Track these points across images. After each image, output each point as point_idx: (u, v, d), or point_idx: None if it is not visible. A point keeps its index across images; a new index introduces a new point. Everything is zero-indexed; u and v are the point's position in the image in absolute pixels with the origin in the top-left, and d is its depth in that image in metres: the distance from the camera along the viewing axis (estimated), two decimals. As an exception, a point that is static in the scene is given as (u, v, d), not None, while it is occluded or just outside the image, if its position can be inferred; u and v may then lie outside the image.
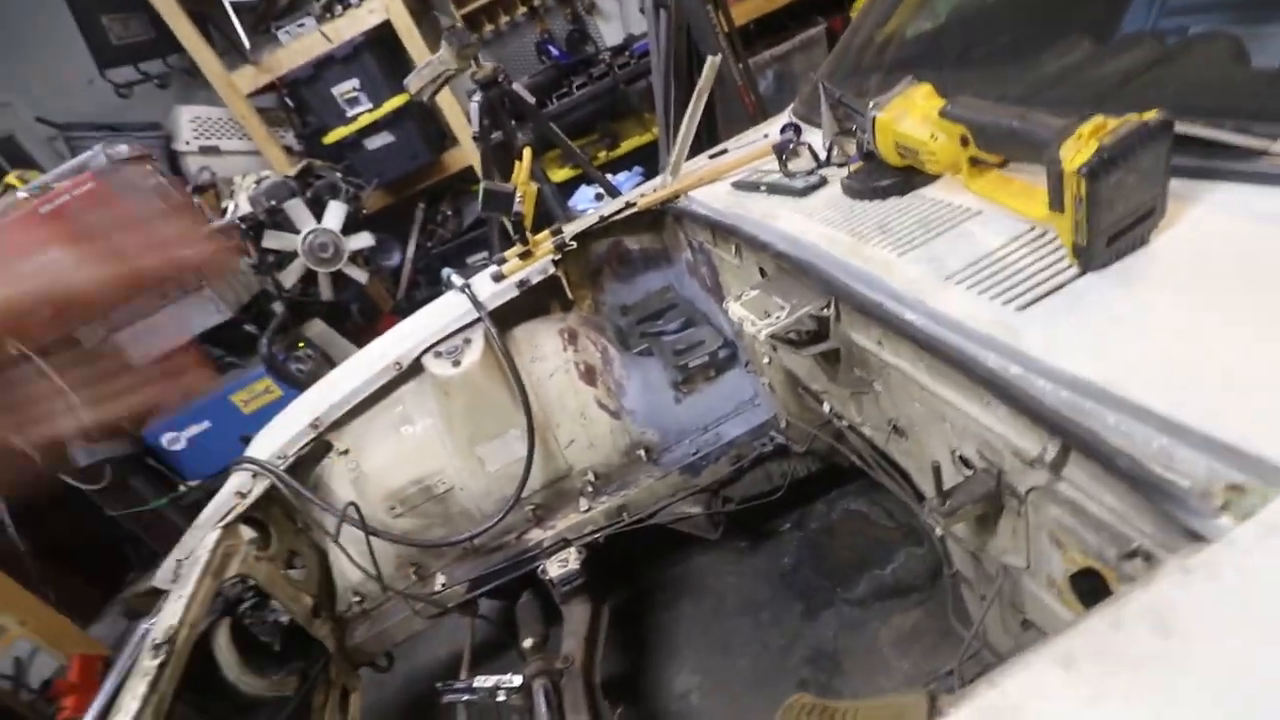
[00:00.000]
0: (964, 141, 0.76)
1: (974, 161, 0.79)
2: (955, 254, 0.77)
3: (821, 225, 0.96)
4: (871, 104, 0.89)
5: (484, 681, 1.34)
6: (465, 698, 1.34)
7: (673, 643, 1.73)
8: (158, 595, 1.68)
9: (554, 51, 3.72)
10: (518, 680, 1.33)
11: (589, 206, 3.29)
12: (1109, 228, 0.62)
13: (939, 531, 0.95)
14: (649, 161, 3.58)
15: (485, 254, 3.86)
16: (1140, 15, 1.27)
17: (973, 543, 0.86)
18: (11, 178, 2.37)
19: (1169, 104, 0.60)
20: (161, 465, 2.40)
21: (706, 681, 1.61)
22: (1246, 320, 0.55)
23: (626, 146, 3.64)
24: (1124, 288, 0.63)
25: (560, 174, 3.52)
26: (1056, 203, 0.64)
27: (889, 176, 0.92)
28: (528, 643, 1.41)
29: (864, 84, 1.35)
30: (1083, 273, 0.66)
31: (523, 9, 3.62)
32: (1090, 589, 0.72)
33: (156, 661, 1.03)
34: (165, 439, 2.35)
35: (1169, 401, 0.52)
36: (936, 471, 0.74)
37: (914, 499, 0.98)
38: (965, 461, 0.80)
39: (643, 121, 3.68)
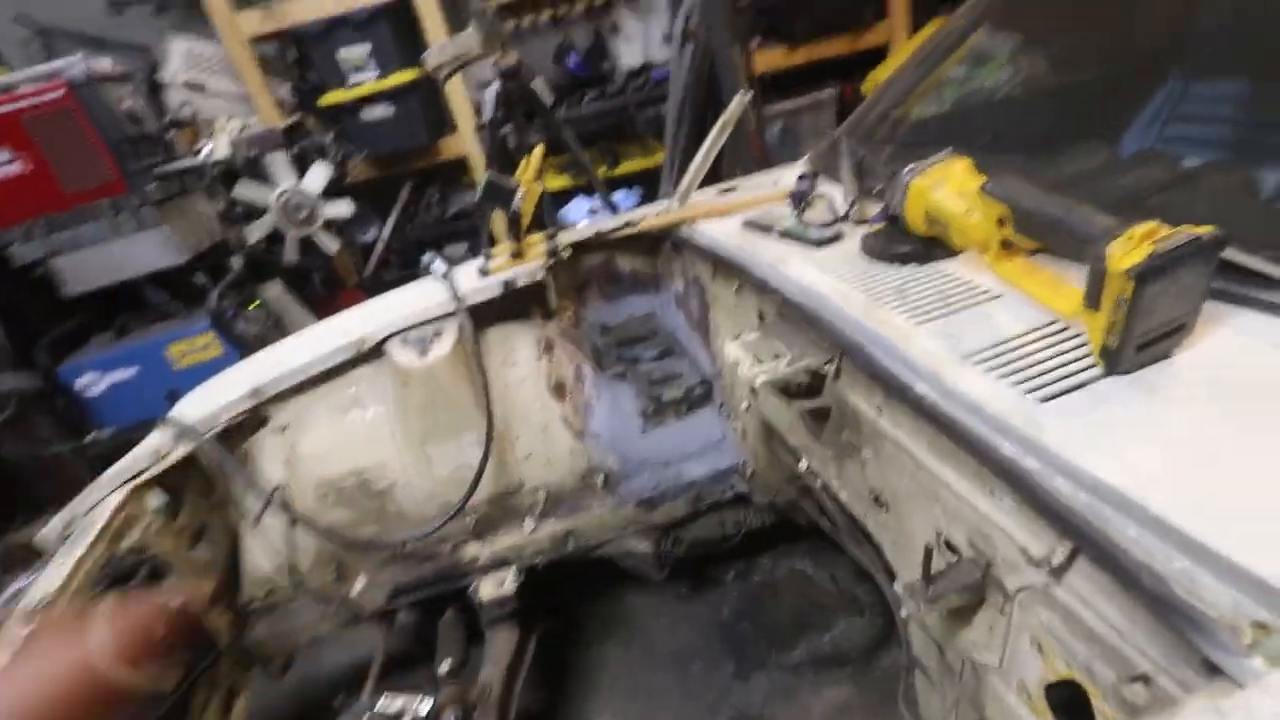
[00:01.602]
0: (1001, 222, 0.75)
1: (1004, 244, 0.77)
2: (974, 334, 0.74)
3: (836, 280, 0.93)
4: (907, 169, 0.87)
5: (389, 703, 1.22)
6: (365, 718, 1.22)
7: (595, 683, 1.64)
8: (36, 553, 1.50)
9: (571, 61, 3.70)
10: (426, 707, 1.22)
11: (581, 219, 3.25)
12: (1143, 334, 0.61)
13: (904, 613, 0.92)
14: (647, 186, 3.58)
15: (465, 245, 3.76)
16: (1142, 136, 1.32)
17: (940, 632, 0.83)
18: (-31, 71, 2.18)
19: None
20: (72, 408, 2.19)
21: (625, 729, 1.53)
22: (1274, 449, 0.54)
23: (626, 168, 3.62)
24: (1149, 396, 0.61)
25: (556, 182, 3.48)
26: (1093, 300, 0.63)
27: (911, 243, 0.90)
28: (444, 666, 1.30)
29: (878, 153, 1.36)
30: (1106, 374, 0.65)
31: (548, 13, 3.60)
32: (1064, 700, 0.69)
33: (26, 630, 0.90)
34: (82, 380, 2.14)
35: (1194, 522, 0.50)
36: (928, 554, 0.70)
37: (882, 574, 0.94)
38: (951, 547, 0.77)
39: (646, 147, 3.68)
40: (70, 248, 2.07)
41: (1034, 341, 0.71)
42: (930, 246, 0.89)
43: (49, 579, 1.03)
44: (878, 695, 1.46)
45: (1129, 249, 0.58)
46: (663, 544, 1.56)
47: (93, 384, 2.15)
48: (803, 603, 1.73)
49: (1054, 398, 0.64)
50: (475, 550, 1.47)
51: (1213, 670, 0.46)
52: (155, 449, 1.30)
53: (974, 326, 0.75)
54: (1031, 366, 0.68)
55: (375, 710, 1.16)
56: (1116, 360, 0.63)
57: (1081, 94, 1.45)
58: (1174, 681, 0.51)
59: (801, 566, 1.83)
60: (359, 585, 1.42)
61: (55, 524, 1.26)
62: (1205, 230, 0.58)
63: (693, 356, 1.64)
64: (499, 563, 1.44)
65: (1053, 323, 0.73)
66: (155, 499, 1.29)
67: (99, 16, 3.30)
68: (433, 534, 1.39)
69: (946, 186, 0.83)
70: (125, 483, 1.24)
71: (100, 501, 1.22)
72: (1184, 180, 0.96)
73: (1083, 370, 0.66)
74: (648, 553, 1.54)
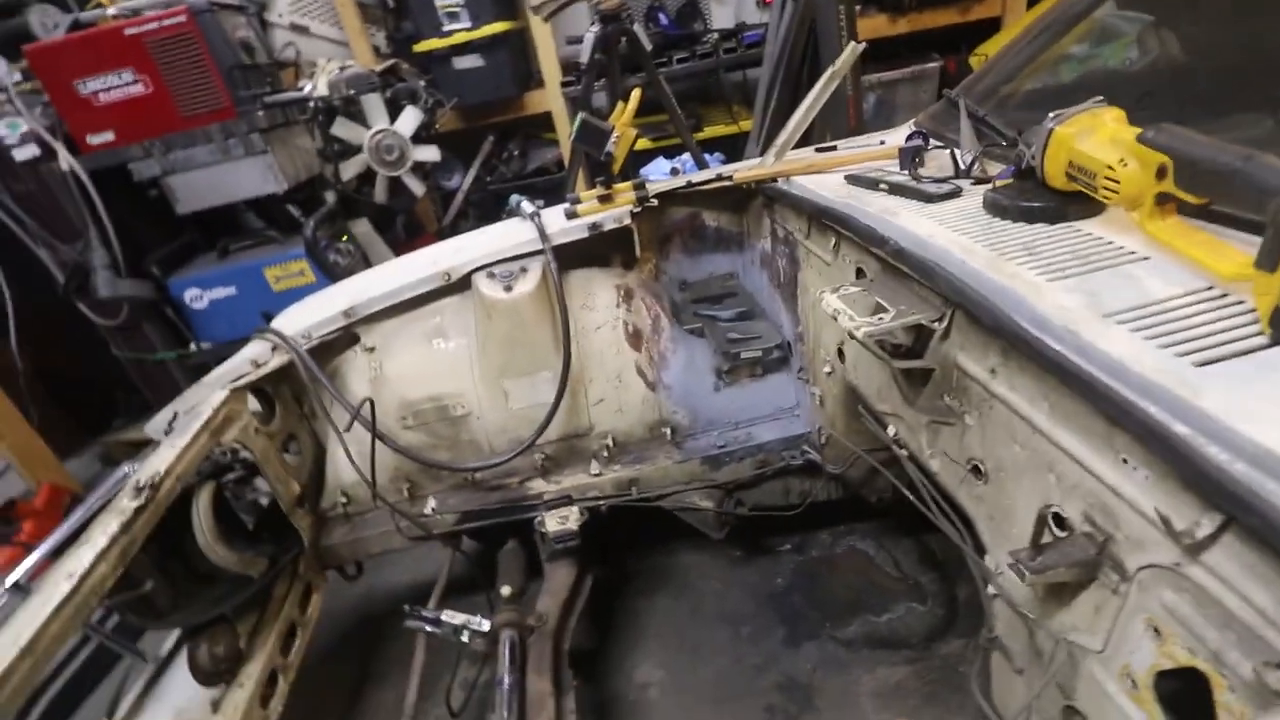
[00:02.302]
0: (1160, 174, 0.68)
1: (1159, 200, 0.70)
2: (1116, 294, 0.68)
3: (954, 233, 0.88)
4: (1052, 115, 0.81)
5: (452, 617, 1.27)
6: (429, 628, 1.27)
7: (643, 632, 1.66)
8: (139, 447, 1.61)
9: (663, 20, 3.62)
10: (486, 625, 1.27)
11: (661, 179, 3.21)
12: (1332, 298, 0.54)
13: (991, 590, 0.88)
14: (729, 151, 3.49)
15: (541, 200, 3.78)
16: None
17: (1035, 611, 0.79)
18: (103, -5, 2.31)
19: None
20: (178, 319, 2.34)
21: (669, 679, 1.54)
22: None
23: (709, 132, 3.54)
24: (1329, 369, 0.55)
25: (638, 144, 3.43)
26: (1270, 260, 0.56)
27: (1045, 199, 0.84)
28: (505, 590, 1.34)
29: (1002, 109, 1.27)
30: (1276, 343, 0.58)
31: (643, -31, 3.52)
32: (1171, 691, 0.65)
33: (135, 504, 0.97)
34: (188, 294, 2.28)
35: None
36: (1041, 521, 0.66)
37: (972, 549, 0.90)
38: (1060, 521, 0.72)
39: (730, 113, 3.58)
40: (183, 168, 2.19)
41: (1189, 305, 0.65)
42: (1066, 203, 0.83)
43: (157, 461, 1.11)
44: (935, 681, 1.42)
45: (1328, 200, 0.52)
46: (725, 504, 1.55)
47: (197, 298, 2.29)
48: (861, 582, 1.70)
49: (1213, 363, 0.58)
50: (541, 486, 1.50)
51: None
52: (254, 357, 1.37)
53: (1117, 286, 0.69)
54: (1185, 330, 0.62)
55: (440, 620, 1.21)
56: (1292, 327, 0.57)
57: (1230, 72, 1.31)
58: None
59: (863, 547, 1.79)
60: (429, 506, 1.47)
61: (163, 416, 1.36)
62: None
63: (772, 319, 1.60)
64: (563, 500, 1.46)
65: (1210, 287, 0.66)
66: (252, 403, 1.36)
67: (217, -46, 3.43)
68: (502, 464, 1.42)
69: (1096, 135, 0.76)
70: (227, 384, 1.31)
71: (204, 400, 1.29)
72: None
73: (1247, 337, 0.60)
74: (709, 510, 1.53)
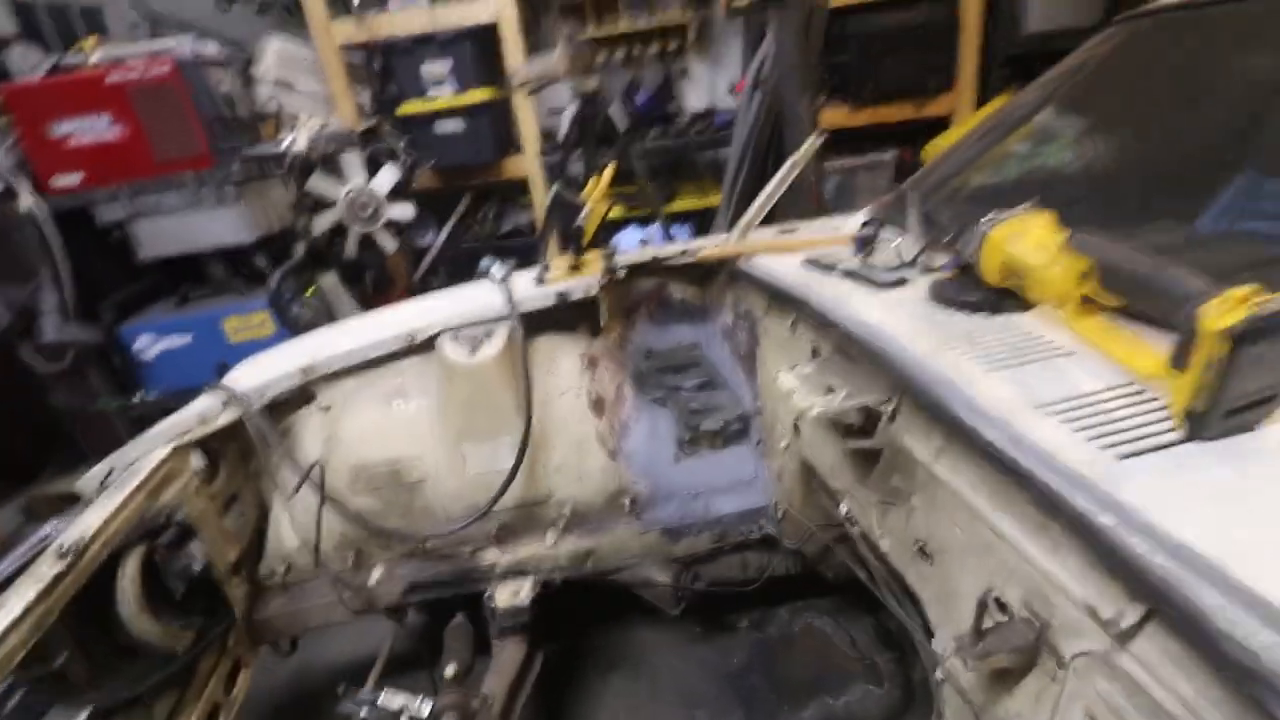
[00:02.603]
0: (1083, 277, 0.74)
1: (1083, 300, 0.76)
2: (1047, 385, 0.73)
3: (901, 320, 0.93)
4: (987, 218, 0.87)
5: (391, 699, 1.19)
6: (364, 712, 1.20)
7: (597, 715, 1.59)
8: (66, 502, 1.52)
9: (639, 99, 3.83)
10: (427, 709, 1.20)
11: (631, 249, 3.30)
12: (1234, 400, 0.59)
13: (939, 674, 0.87)
14: (698, 224, 3.63)
15: (513, 261, 3.84)
16: (1219, 218, 1.30)
17: (979, 696, 0.79)
18: (87, 42, 2.34)
19: None
20: (126, 366, 2.26)
21: (621, 766, 1.47)
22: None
23: (680, 205, 3.69)
24: (1235, 465, 0.59)
25: (611, 212, 3.54)
26: (1181, 361, 0.61)
27: (982, 293, 0.90)
28: (449, 670, 1.28)
29: (941, 210, 1.36)
30: (1189, 439, 0.62)
31: (622, 52, 3.74)
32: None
33: (56, 570, 0.91)
34: (140, 341, 2.22)
35: (1284, 598, 0.47)
36: (981, 607, 0.67)
37: (919, 629, 0.91)
38: (1002, 606, 0.73)
39: (701, 187, 3.76)
40: (150, 213, 2.17)
41: (1111, 399, 0.69)
42: (1001, 298, 0.88)
43: (84, 523, 1.05)
44: (890, 768, 1.39)
45: (1225, 310, 0.57)
46: (682, 577, 1.53)
47: (148, 346, 2.22)
48: (818, 662, 1.67)
49: (1133, 455, 0.62)
50: (494, 556, 1.46)
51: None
52: (202, 412, 1.33)
53: (1047, 378, 0.74)
54: (1108, 423, 0.66)
55: (376, 704, 1.14)
56: (1201, 425, 0.61)
57: (1153, 175, 1.44)
58: (1254, 766, 0.47)
59: (820, 624, 1.77)
60: (376, 575, 1.41)
61: (97, 471, 1.29)
62: (1310, 300, 0.56)
63: (734, 391, 1.63)
64: (516, 572, 1.42)
65: (1130, 383, 0.71)
66: (196, 460, 1.31)
67: (208, 11, 3.54)
68: (456, 533, 1.38)
69: (1027, 238, 0.82)
70: (170, 440, 1.26)
71: (144, 455, 1.24)
72: (1272, 263, 0.94)
73: (1163, 432, 0.64)
74: (666, 584, 1.50)
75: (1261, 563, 0.51)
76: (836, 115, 3.49)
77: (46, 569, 0.93)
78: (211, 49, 2.22)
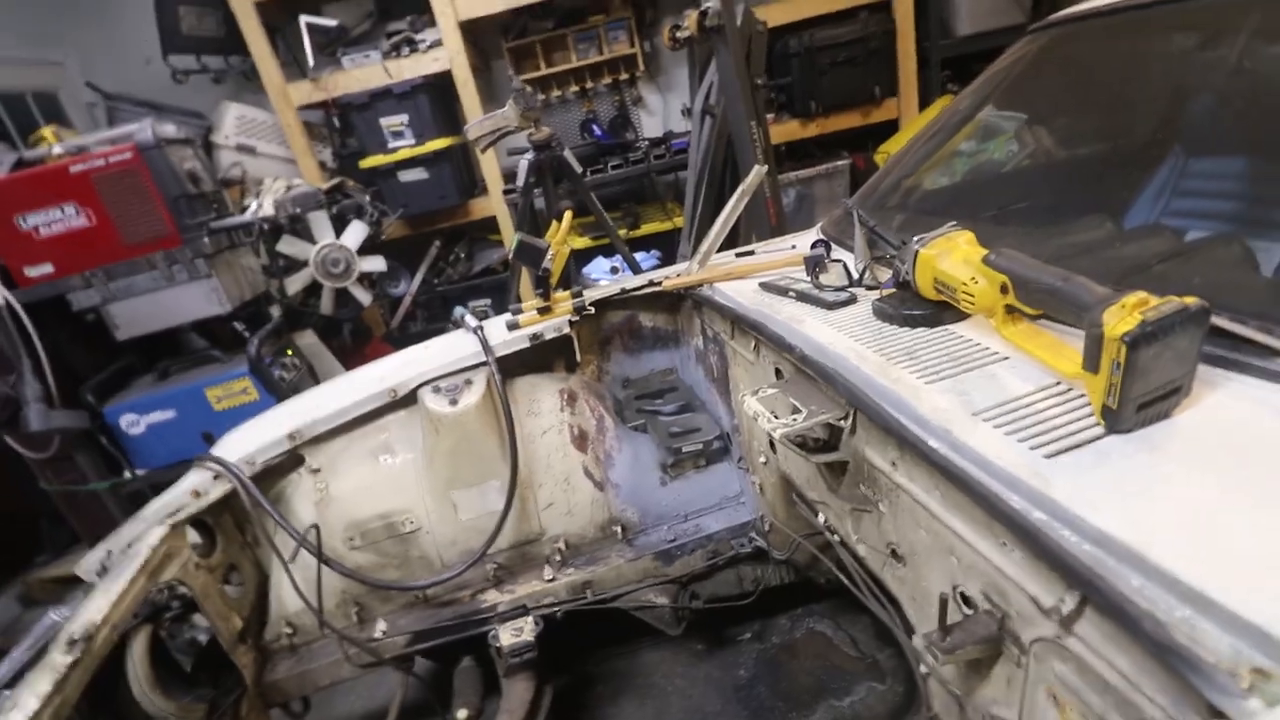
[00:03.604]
0: (1003, 290, 0.80)
1: (1009, 310, 0.83)
2: (982, 392, 0.79)
3: (850, 339, 0.99)
4: (915, 239, 0.94)
5: (406, 749, 1.22)
6: (381, 764, 1.22)
7: (609, 742, 1.61)
8: (62, 584, 1.52)
9: (597, 131, 3.93)
10: (443, 754, 1.23)
11: (602, 277, 3.37)
12: (1140, 395, 0.65)
13: (924, 669, 0.93)
14: (665, 247, 3.71)
15: (488, 301, 3.89)
16: (1144, 210, 1.39)
17: (960, 687, 0.84)
18: (47, 131, 2.37)
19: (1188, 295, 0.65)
20: (113, 446, 2.27)
21: (638, 792, 1.49)
22: (1270, 505, 0.57)
23: (646, 229, 3.78)
24: (1149, 454, 0.65)
25: (579, 242, 3.62)
26: (1092, 364, 0.68)
27: (921, 308, 0.96)
28: (461, 714, 1.31)
29: (889, 219, 1.44)
30: (1109, 433, 0.69)
31: (575, 88, 3.84)
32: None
33: (69, 659, 0.93)
34: (124, 420, 2.23)
35: (1194, 573, 0.53)
36: (944, 604, 0.73)
37: (901, 629, 0.96)
38: (967, 600, 0.79)
39: (665, 210, 3.85)
40: (124, 295, 2.21)
41: (1040, 400, 0.76)
42: (940, 310, 0.95)
43: (91, 610, 1.07)
44: (899, 764, 1.43)
45: (1121, 316, 0.64)
46: (680, 597, 1.57)
47: (134, 424, 2.24)
48: (821, 666, 1.71)
49: (1060, 453, 0.67)
50: (495, 597, 1.49)
51: (1216, 716, 0.48)
52: (194, 487, 1.36)
53: (982, 385, 0.80)
54: (1038, 424, 0.72)
55: (393, 756, 1.16)
56: (1117, 420, 0.67)
57: (1084, 169, 1.53)
58: (1182, 728, 0.53)
59: (820, 628, 1.81)
60: (379, 629, 1.44)
61: (95, 555, 1.31)
62: (1191, 300, 0.63)
63: (712, 411, 1.69)
64: (518, 610, 1.45)
65: (1057, 383, 0.78)
66: (191, 536, 1.34)
67: (164, 84, 3.59)
68: (454, 579, 1.42)
69: (952, 256, 0.89)
70: (165, 519, 1.29)
71: (141, 536, 1.27)
72: (1185, 252, 1.02)
73: (1086, 429, 0.70)
74: (665, 605, 1.54)
75: (1175, 543, 0.56)
76: (788, 128, 3.61)
77: (60, 658, 0.95)
78: (170, 129, 2.27)
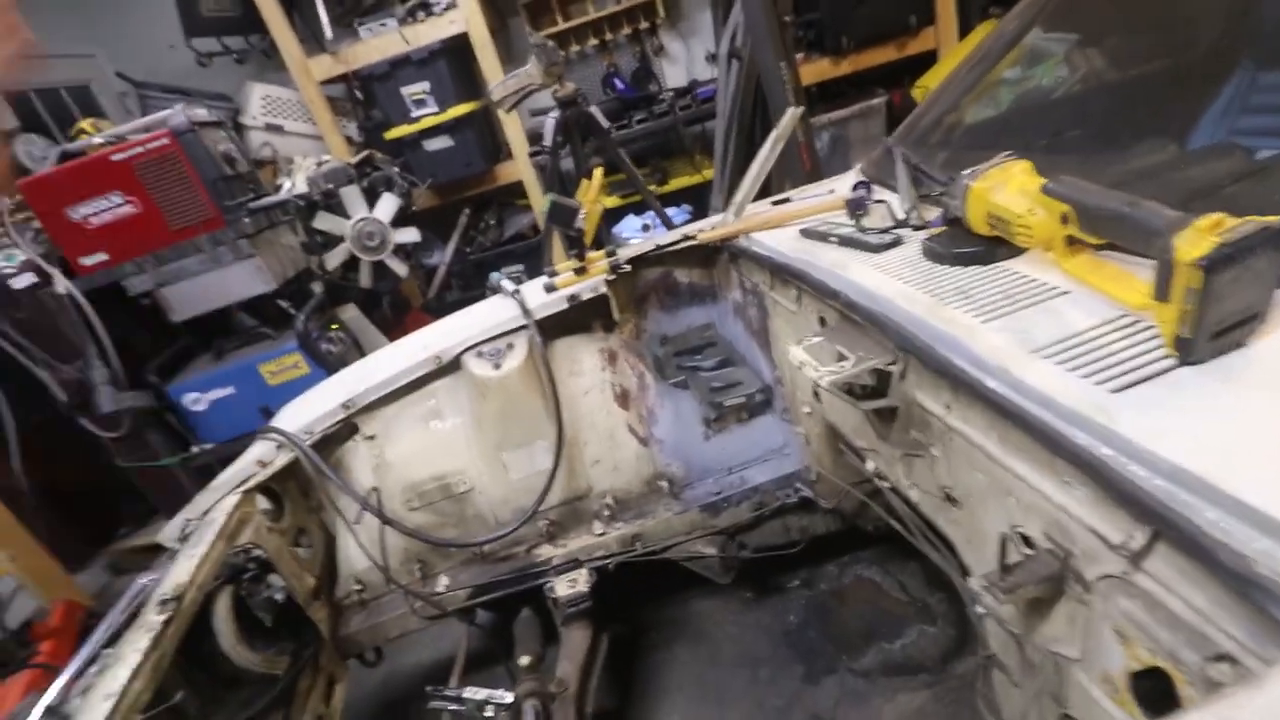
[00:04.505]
0: (1064, 220, 0.77)
1: (1069, 241, 0.79)
2: (1042, 328, 0.76)
3: (897, 282, 0.96)
4: (967, 172, 0.90)
5: (474, 693, 1.29)
6: (452, 707, 1.30)
7: (665, 685, 1.68)
8: (147, 554, 1.62)
9: (619, 85, 3.83)
10: (509, 698, 1.29)
11: (633, 236, 3.34)
12: (1216, 323, 0.62)
13: (981, 610, 0.93)
14: (695, 201, 3.64)
15: (520, 267, 3.90)
16: (1209, 130, 1.29)
17: (1019, 626, 0.84)
18: (86, 124, 2.43)
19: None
20: (179, 423, 2.39)
21: (695, 731, 1.56)
22: (1358, 433, 0.54)
23: (674, 184, 3.70)
24: (1225, 384, 0.62)
25: (608, 201, 3.58)
26: (1162, 292, 0.64)
27: (973, 244, 0.93)
28: (524, 660, 1.37)
29: (932, 157, 1.37)
30: (1181, 364, 0.66)
31: (594, 41, 3.73)
32: (1149, 690, 0.70)
33: (162, 617, 1.01)
34: (188, 398, 2.35)
35: (1275, 503, 0.51)
36: (1004, 544, 0.72)
37: (956, 571, 0.96)
38: (1027, 540, 0.78)
39: (694, 163, 3.75)
40: (175, 279, 2.28)
41: (1104, 334, 0.73)
42: (993, 246, 0.91)
43: (178, 572, 1.15)
44: (954, 701, 1.45)
45: (1196, 240, 0.60)
46: (728, 548, 1.59)
47: (196, 402, 2.35)
48: (871, 611, 1.73)
49: (1129, 387, 0.65)
50: (549, 552, 1.54)
51: (1298, 644, 0.47)
52: (260, 457, 1.43)
53: (1042, 321, 0.77)
54: (1103, 359, 0.69)
55: (462, 698, 1.23)
56: (1190, 349, 0.64)
57: (1143, 90, 1.43)
58: (1257, 659, 0.52)
59: (869, 574, 1.83)
60: (442, 584, 1.51)
61: (175, 524, 1.40)
62: (1273, 219, 0.59)
63: (752, 364, 1.68)
64: (571, 563, 1.50)
65: (1123, 315, 0.74)
66: (261, 502, 1.41)
67: (189, 68, 3.62)
68: (508, 536, 1.47)
69: (1007, 188, 0.85)
70: (236, 488, 1.36)
71: (216, 504, 1.34)
72: (1258, 171, 0.95)
73: (1156, 361, 0.67)
74: (714, 556, 1.57)
75: (1252, 474, 0.54)
76: (819, 68, 3.45)
77: (154, 617, 1.03)
78: (202, 113, 2.30)
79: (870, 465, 1.15)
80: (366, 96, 3.65)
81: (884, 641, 1.63)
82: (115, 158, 2.16)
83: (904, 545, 1.82)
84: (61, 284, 2.16)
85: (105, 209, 2.18)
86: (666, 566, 1.60)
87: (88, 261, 2.24)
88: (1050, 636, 0.79)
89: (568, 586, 1.43)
